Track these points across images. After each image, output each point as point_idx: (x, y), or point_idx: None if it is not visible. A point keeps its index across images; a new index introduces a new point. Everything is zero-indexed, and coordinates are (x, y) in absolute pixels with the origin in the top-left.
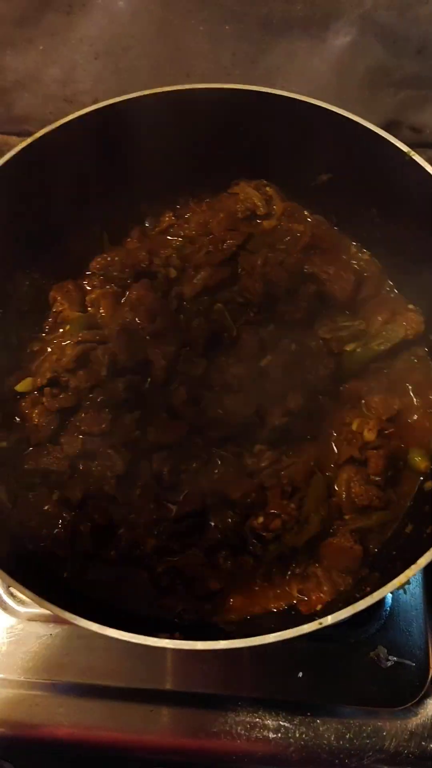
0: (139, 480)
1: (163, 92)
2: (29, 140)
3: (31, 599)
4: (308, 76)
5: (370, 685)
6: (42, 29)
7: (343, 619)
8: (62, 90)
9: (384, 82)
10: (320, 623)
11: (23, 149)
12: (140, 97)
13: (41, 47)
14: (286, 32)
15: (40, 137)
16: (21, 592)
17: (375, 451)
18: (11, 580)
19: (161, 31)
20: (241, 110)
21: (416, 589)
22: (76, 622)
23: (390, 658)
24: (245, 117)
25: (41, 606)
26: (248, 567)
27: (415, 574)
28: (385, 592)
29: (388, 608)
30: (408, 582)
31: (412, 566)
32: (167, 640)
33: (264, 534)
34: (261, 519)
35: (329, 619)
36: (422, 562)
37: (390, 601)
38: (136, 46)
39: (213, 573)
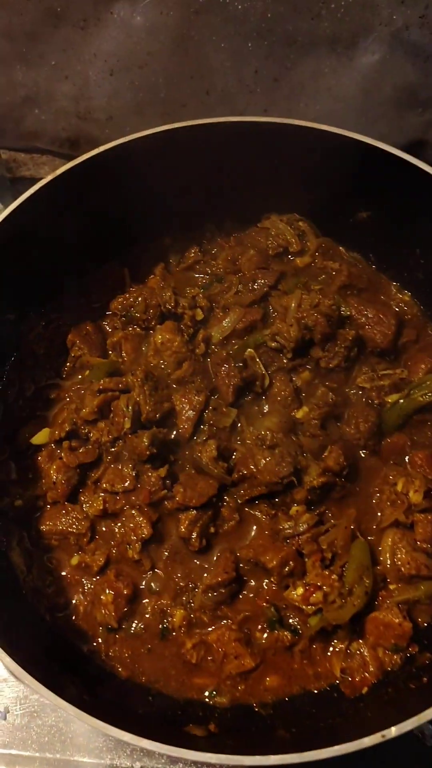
0: (166, 543)
1: (188, 126)
2: (50, 177)
3: (51, 700)
4: (333, 95)
5: (413, 764)
6: (55, 44)
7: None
8: (75, 106)
9: (411, 101)
10: (383, 736)
11: (44, 185)
12: (166, 131)
13: (53, 62)
14: (312, 50)
15: (64, 172)
16: (37, 689)
17: (422, 515)
18: (28, 676)
19: (181, 48)
20: (270, 142)
21: None
22: (107, 731)
23: None
24: (275, 149)
25: (61, 707)
26: (286, 643)
27: None
28: None
29: None
30: None
31: None
32: (209, 754)
33: (304, 607)
34: (300, 590)
35: (393, 731)
36: None
37: None
38: (153, 63)
39: (247, 649)
